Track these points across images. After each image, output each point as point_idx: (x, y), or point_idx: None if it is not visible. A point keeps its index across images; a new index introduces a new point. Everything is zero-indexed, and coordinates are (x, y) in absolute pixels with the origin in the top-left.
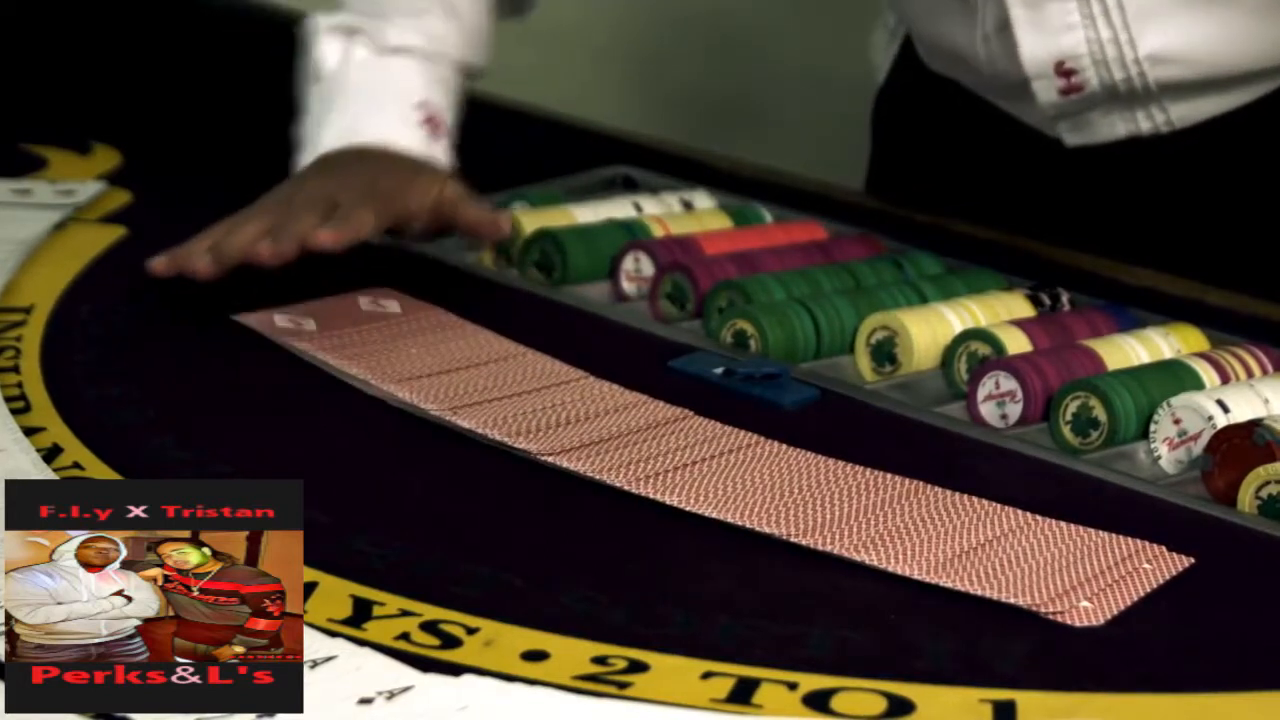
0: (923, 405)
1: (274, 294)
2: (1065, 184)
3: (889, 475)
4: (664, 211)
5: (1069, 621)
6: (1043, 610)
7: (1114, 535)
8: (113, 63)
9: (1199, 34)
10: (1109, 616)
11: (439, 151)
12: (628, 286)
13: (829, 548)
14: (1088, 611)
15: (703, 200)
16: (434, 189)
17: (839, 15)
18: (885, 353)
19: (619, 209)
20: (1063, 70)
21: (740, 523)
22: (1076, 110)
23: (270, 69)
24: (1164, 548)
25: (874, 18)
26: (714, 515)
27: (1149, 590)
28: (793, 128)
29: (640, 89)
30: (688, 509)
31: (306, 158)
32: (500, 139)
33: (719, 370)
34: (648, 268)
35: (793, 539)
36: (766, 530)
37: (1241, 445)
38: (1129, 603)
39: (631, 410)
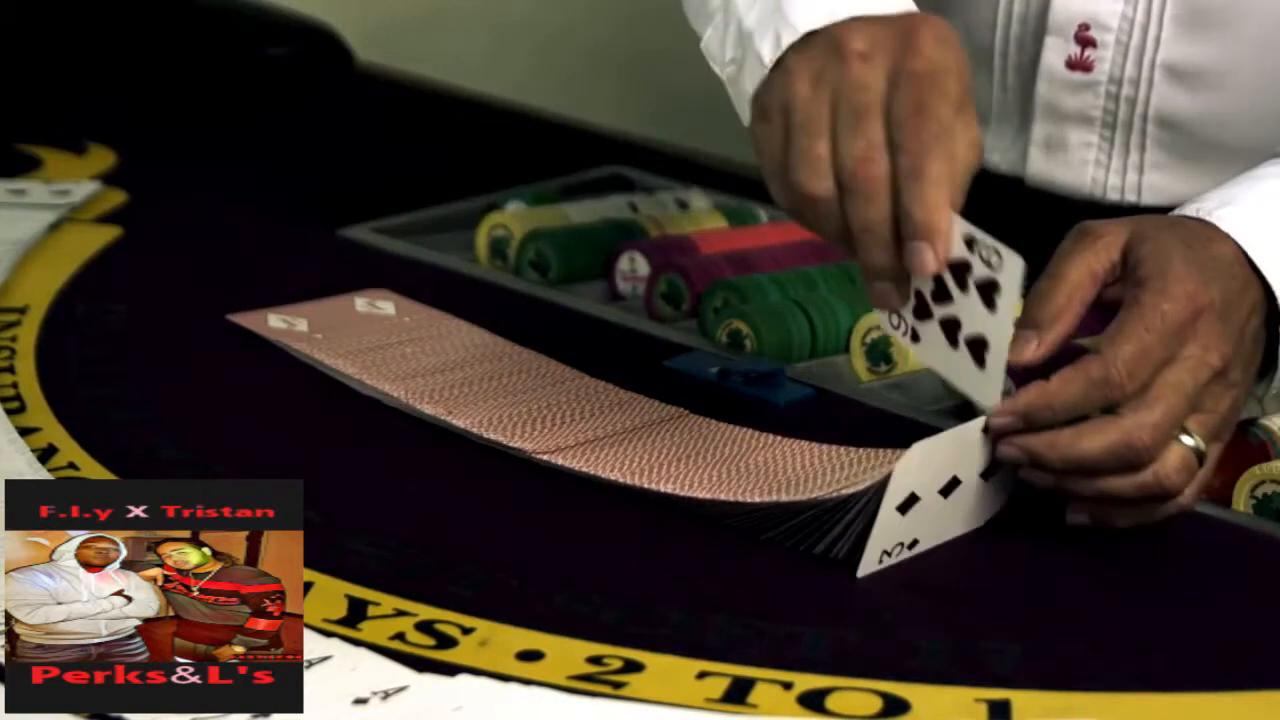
0: (918, 405)
1: (269, 295)
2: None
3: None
4: (659, 211)
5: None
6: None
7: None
8: (108, 63)
9: (1215, 70)
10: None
11: None
12: (623, 286)
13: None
14: None
15: (698, 200)
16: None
17: None
18: (880, 352)
19: (614, 209)
20: (1083, 35)
21: (725, 497)
22: (1066, 111)
23: (267, 69)
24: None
25: None
26: (708, 497)
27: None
28: None
29: (636, 89)
30: (683, 494)
31: (766, 47)
32: (495, 139)
33: (714, 370)
34: (643, 267)
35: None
36: (756, 499)
37: (1237, 445)
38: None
39: (627, 409)
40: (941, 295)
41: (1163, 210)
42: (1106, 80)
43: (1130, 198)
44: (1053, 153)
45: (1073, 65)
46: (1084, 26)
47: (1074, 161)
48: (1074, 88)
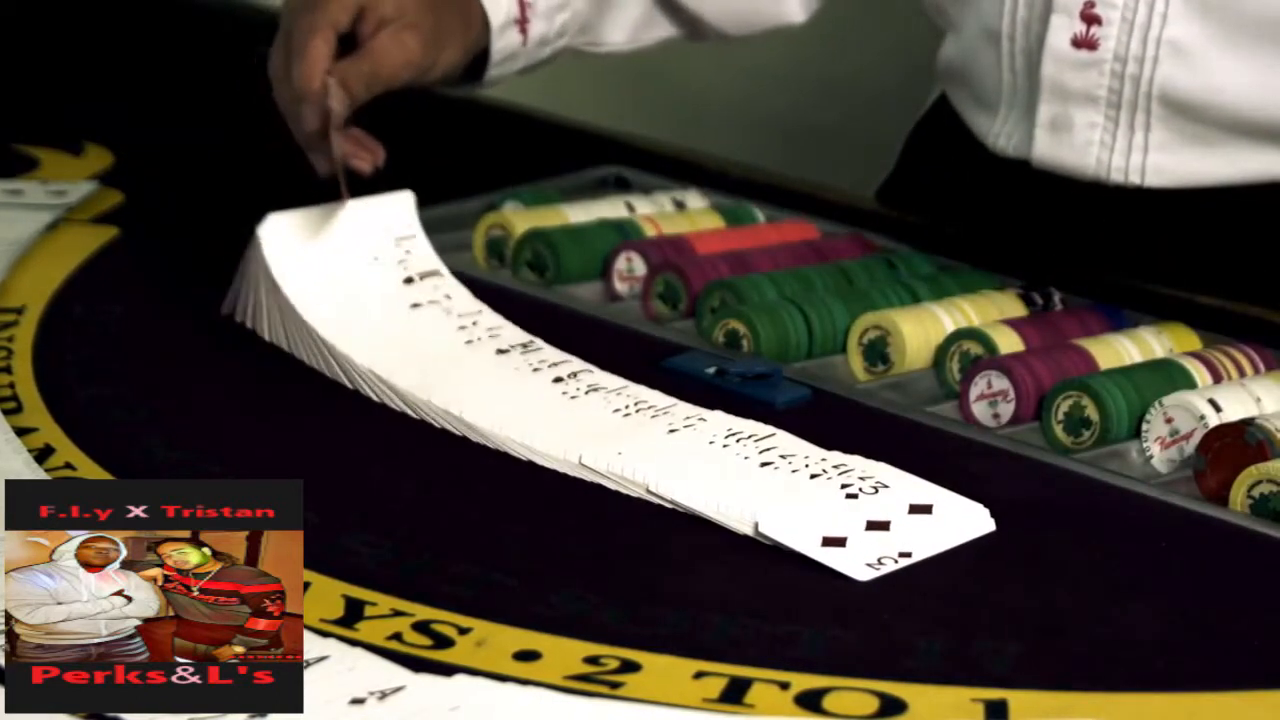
0: (915, 405)
1: None
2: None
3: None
4: (656, 211)
5: None
6: None
7: None
8: (105, 63)
9: (1220, 46)
10: None
11: None
12: (620, 286)
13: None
14: None
15: (695, 200)
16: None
17: (838, 14)
18: (877, 352)
19: (611, 209)
20: (1089, 13)
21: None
22: (1071, 91)
23: (262, 69)
24: None
25: (868, 16)
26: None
27: None
28: (793, 132)
29: (633, 89)
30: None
31: None
32: (493, 139)
33: (711, 370)
34: (640, 267)
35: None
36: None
37: (1234, 444)
38: None
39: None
40: None
41: (1167, 192)
42: (1111, 59)
43: (1134, 179)
44: (1058, 134)
45: (1078, 44)
46: (1089, 4)
47: (1079, 142)
48: (1079, 66)
